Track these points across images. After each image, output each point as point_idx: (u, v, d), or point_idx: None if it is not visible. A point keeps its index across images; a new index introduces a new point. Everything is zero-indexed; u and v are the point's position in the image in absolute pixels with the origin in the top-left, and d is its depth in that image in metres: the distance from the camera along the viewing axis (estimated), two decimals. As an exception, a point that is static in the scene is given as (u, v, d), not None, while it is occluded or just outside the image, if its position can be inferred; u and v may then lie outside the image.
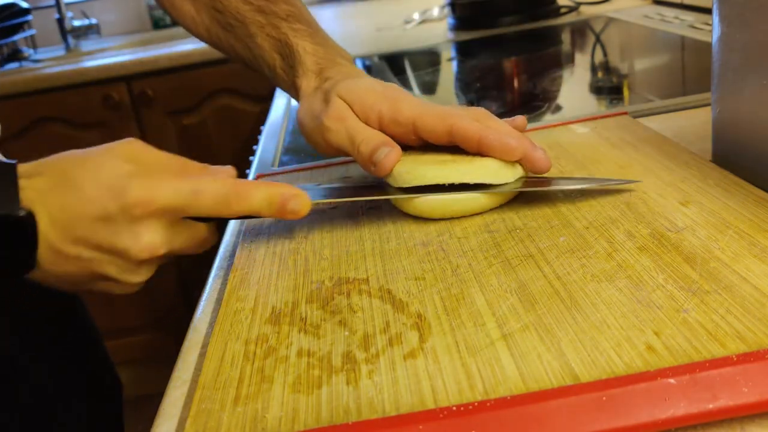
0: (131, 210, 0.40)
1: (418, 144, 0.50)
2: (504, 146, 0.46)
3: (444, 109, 0.48)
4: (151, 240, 0.41)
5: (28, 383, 0.64)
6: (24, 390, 0.63)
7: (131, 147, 0.43)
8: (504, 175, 0.46)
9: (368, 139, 0.49)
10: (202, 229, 0.45)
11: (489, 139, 0.46)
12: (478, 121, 0.48)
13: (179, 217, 0.42)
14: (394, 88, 0.51)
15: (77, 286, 0.44)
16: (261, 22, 0.58)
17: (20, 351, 0.64)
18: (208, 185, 0.42)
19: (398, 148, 0.48)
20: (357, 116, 0.50)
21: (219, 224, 0.46)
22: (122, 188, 0.40)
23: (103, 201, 0.40)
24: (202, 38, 0.65)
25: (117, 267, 0.42)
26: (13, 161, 0.42)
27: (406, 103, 0.49)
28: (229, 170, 0.47)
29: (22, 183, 0.40)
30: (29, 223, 0.40)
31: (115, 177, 0.41)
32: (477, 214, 0.47)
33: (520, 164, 0.47)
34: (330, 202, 0.53)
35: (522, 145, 0.46)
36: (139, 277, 0.43)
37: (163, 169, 0.43)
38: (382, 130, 0.49)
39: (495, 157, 0.46)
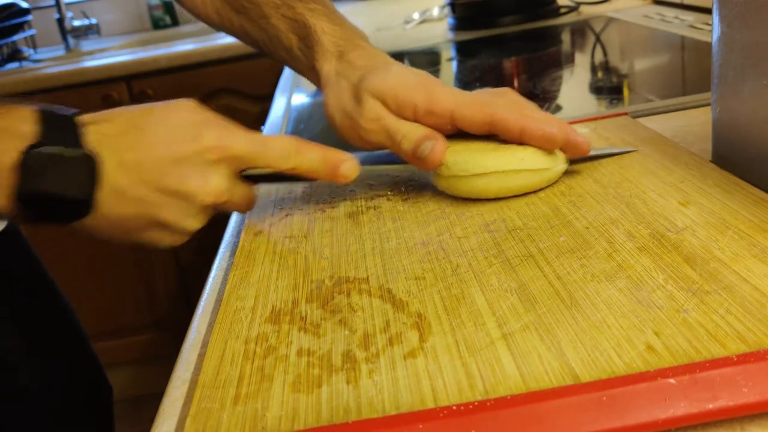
0: (205, 154, 0.42)
1: (453, 132, 0.50)
2: (546, 135, 0.47)
3: (481, 98, 0.49)
4: (218, 184, 0.43)
5: (13, 386, 0.64)
6: (8, 393, 0.63)
7: (192, 103, 0.45)
8: (555, 159, 0.48)
9: (409, 134, 0.48)
10: (251, 189, 0.48)
11: (531, 129, 0.47)
12: (515, 108, 0.48)
13: (240, 170, 0.45)
14: (424, 76, 0.51)
15: (127, 234, 0.44)
16: (275, 3, 0.58)
17: (6, 352, 0.64)
18: (274, 139, 0.45)
19: (442, 138, 0.49)
20: (392, 111, 0.49)
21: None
22: (198, 133, 0.42)
23: (177, 143, 0.42)
24: (211, 22, 0.64)
25: (178, 211, 0.43)
26: (74, 110, 0.43)
27: (441, 94, 0.48)
28: (293, 137, 0.49)
29: (87, 129, 0.41)
30: (89, 165, 0.40)
31: (189, 123, 0.43)
32: (527, 193, 0.49)
33: (562, 150, 0.49)
34: (375, 169, 0.55)
35: (563, 131, 0.47)
36: (196, 223, 0.44)
37: (226, 124, 0.45)
38: (417, 121, 0.49)
39: (536, 146, 0.48)
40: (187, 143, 0.42)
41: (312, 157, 0.46)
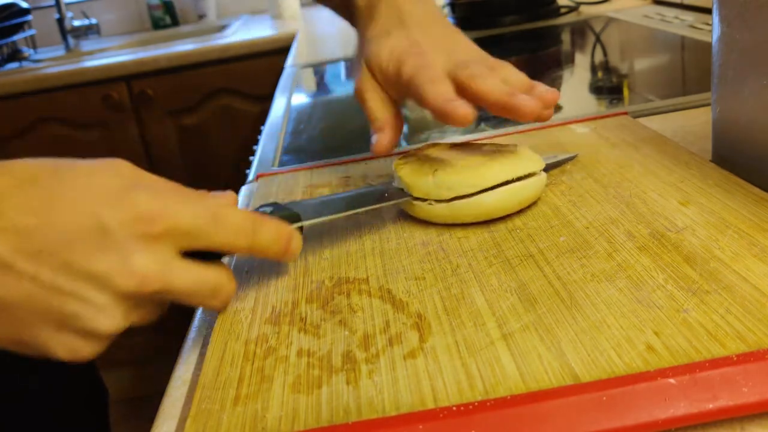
0: (136, 225, 0.32)
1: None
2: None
3: (438, 74, 0.48)
4: (144, 266, 0.32)
5: (12, 386, 0.63)
6: (8, 393, 0.63)
7: (124, 163, 0.36)
8: (534, 163, 0.47)
9: (370, 117, 0.51)
10: (218, 271, 0.36)
11: (418, 85, 0.46)
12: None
13: (189, 248, 0.35)
14: (415, 43, 0.51)
15: (15, 330, 0.32)
16: None
17: (4, 353, 0.63)
18: (229, 211, 0.36)
19: (391, 131, 0.50)
20: (378, 81, 0.51)
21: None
22: (130, 199, 0.33)
23: (96, 209, 0.32)
24: None
25: (82, 301, 0.32)
26: None
27: (408, 64, 0.49)
28: (231, 196, 0.40)
29: None
30: None
31: (115, 187, 0.33)
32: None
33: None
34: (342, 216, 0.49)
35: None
36: (109, 321, 0.33)
37: (167, 188, 0.36)
38: (394, 91, 0.51)
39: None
40: (110, 209, 0.32)
41: (267, 234, 0.37)
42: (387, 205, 0.47)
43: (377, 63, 0.51)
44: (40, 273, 0.31)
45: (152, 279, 0.32)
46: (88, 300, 0.32)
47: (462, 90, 0.47)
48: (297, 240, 0.39)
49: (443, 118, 0.45)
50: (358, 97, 0.52)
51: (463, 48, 0.53)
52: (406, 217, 0.48)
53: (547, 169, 0.51)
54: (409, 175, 0.47)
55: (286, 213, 0.42)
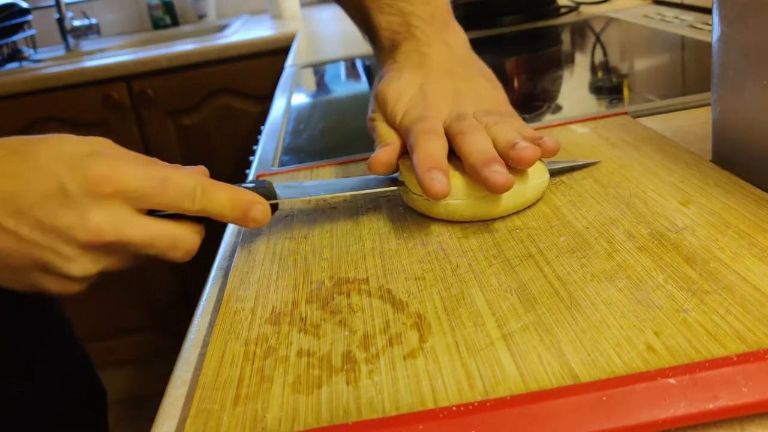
0: (89, 186, 0.37)
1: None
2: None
3: (431, 126, 0.47)
4: (98, 221, 0.37)
5: (8, 391, 0.63)
6: (4, 398, 0.63)
7: (98, 138, 0.41)
8: (537, 172, 0.46)
9: (379, 140, 0.51)
10: (180, 226, 0.41)
11: (416, 164, 0.45)
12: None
13: (142, 208, 0.39)
14: (422, 92, 0.51)
15: (14, 274, 0.39)
16: None
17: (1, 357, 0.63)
18: (177, 176, 0.40)
19: (389, 150, 0.49)
20: (385, 119, 0.52)
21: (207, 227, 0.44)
22: (85, 163, 0.37)
23: (58, 173, 0.37)
24: None
25: (54, 252, 0.38)
26: None
27: (404, 113, 0.50)
28: (201, 169, 0.45)
29: None
30: None
31: (78, 153, 0.38)
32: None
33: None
34: (334, 197, 0.52)
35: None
36: (78, 267, 0.38)
37: (129, 157, 0.40)
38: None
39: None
40: (71, 172, 0.37)
41: (220, 199, 0.41)
42: (377, 192, 0.48)
43: (383, 101, 0.52)
44: (20, 229, 0.37)
45: (106, 232, 0.37)
46: (57, 251, 0.37)
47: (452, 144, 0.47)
48: (261, 208, 0.42)
49: (420, 184, 0.44)
50: (369, 125, 0.53)
51: (476, 96, 0.52)
52: (407, 217, 0.48)
53: (555, 174, 0.50)
54: (411, 168, 0.47)
55: (262, 189, 0.45)
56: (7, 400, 0.63)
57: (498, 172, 0.42)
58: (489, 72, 0.56)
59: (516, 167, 0.45)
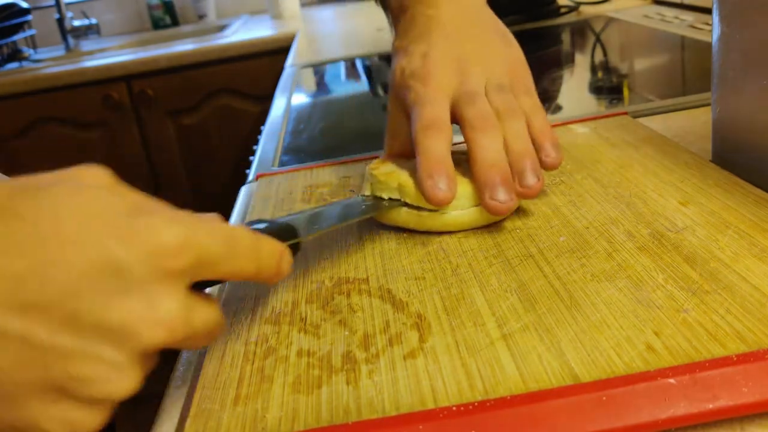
0: (158, 260, 0.26)
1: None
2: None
3: (433, 116, 0.45)
4: (171, 310, 0.26)
5: None
6: None
7: (103, 175, 0.29)
8: None
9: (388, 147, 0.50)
10: (214, 306, 0.30)
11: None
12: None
13: (196, 280, 0.29)
14: (425, 61, 0.47)
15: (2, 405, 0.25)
16: None
17: None
18: (241, 234, 0.30)
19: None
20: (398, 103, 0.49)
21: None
22: (141, 225, 0.26)
23: (104, 242, 0.25)
24: None
25: (96, 363, 0.25)
26: None
27: (410, 96, 0.47)
28: (217, 217, 0.33)
29: None
30: None
31: (120, 209, 0.26)
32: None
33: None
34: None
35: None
36: (128, 383, 0.26)
37: (169, 209, 0.29)
38: None
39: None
40: (122, 241, 0.25)
41: (268, 258, 0.32)
42: (358, 220, 0.46)
43: (392, 84, 0.49)
44: (33, 331, 0.24)
45: (180, 325, 0.27)
46: (101, 360, 0.25)
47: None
48: (287, 259, 0.34)
49: (421, 191, 0.43)
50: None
51: (487, 60, 0.48)
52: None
53: None
54: (384, 175, 0.46)
55: (282, 227, 0.37)
56: None
57: (499, 201, 0.42)
58: (503, 28, 0.52)
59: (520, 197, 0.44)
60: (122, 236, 0.25)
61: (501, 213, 0.42)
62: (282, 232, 0.37)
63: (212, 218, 0.31)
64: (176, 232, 0.26)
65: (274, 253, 0.32)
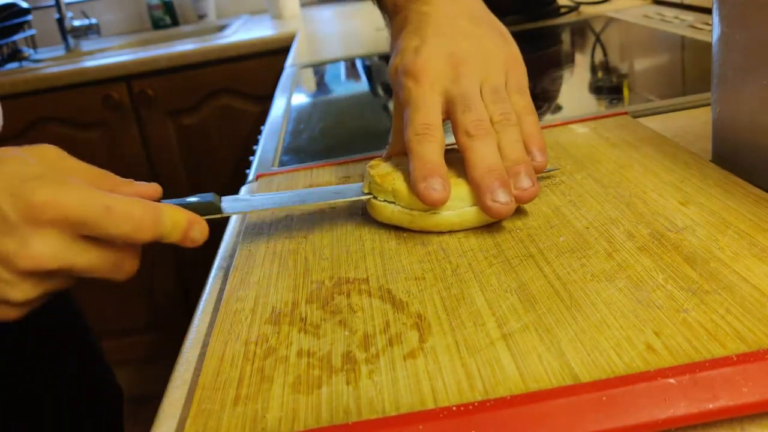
0: (30, 212, 0.35)
1: None
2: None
3: (425, 121, 0.45)
4: (41, 249, 0.36)
5: (26, 396, 0.63)
6: (22, 403, 0.63)
7: (45, 150, 0.39)
8: None
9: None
10: (121, 251, 0.39)
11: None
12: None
13: (85, 234, 0.37)
14: (417, 57, 0.47)
15: None
16: None
17: (18, 365, 0.63)
18: (123, 204, 0.37)
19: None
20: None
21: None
22: (27, 188, 0.36)
23: (0, 200, 0.35)
24: None
25: None
26: None
27: (403, 93, 0.47)
28: (155, 187, 0.43)
29: None
30: None
31: (21, 175, 0.36)
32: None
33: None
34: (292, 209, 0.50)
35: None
36: (18, 293, 0.37)
37: (77, 177, 0.38)
38: None
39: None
40: (11, 197, 0.35)
41: (166, 224, 0.39)
42: (342, 202, 0.48)
43: (391, 82, 0.50)
44: None
45: (48, 260, 0.36)
46: None
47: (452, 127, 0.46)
48: (199, 228, 0.41)
49: (415, 194, 0.44)
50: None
51: (481, 57, 0.48)
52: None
53: None
54: (380, 176, 0.46)
55: (206, 203, 0.44)
56: (21, 398, 0.63)
57: (500, 203, 0.42)
58: (500, 25, 0.52)
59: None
60: (14, 193, 0.35)
61: (502, 215, 0.43)
62: (203, 207, 0.43)
63: (145, 187, 0.42)
64: (45, 194, 0.35)
65: (179, 221, 0.40)
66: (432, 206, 0.43)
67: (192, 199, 0.44)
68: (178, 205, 0.42)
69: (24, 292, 0.37)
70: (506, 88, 0.48)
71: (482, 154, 0.44)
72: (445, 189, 0.43)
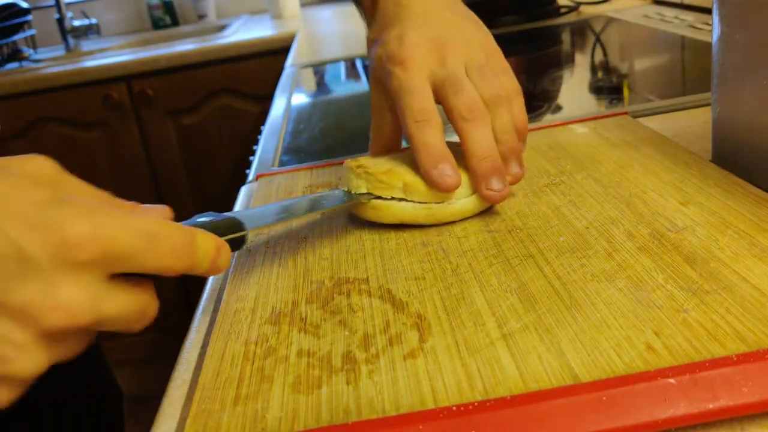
0: (63, 250, 0.27)
1: None
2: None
3: (420, 107, 0.45)
4: (73, 297, 0.28)
5: (26, 397, 0.63)
6: (22, 404, 0.63)
7: (39, 165, 0.31)
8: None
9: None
10: (146, 292, 0.32)
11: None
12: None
13: (118, 271, 0.30)
14: (401, 45, 0.47)
15: None
16: None
17: None
18: (167, 229, 0.31)
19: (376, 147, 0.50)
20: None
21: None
22: (52, 217, 0.27)
23: (13, 231, 0.27)
24: None
25: (4, 342, 0.27)
26: None
27: (391, 82, 0.47)
28: (166, 212, 0.36)
29: None
30: None
31: (37, 200, 0.28)
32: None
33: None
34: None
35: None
36: (33, 363, 0.28)
37: (95, 202, 0.31)
38: None
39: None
40: (31, 231, 0.27)
41: (200, 251, 0.33)
42: (345, 206, 0.47)
43: (373, 73, 0.50)
44: None
45: (82, 312, 0.28)
46: (5, 339, 0.27)
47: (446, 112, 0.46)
48: (226, 253, 0.35)
49: (428, 182, 0.45)
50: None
51: (464, 41, 0.48)
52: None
53: None
54: (383, 174, 0.46)
55: (226, 221, 0.38)
56: (21, 399, 0.62)
57: (495, 191, 0.45)
58: (473, 15, 0.53)
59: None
60: (31, 225, 0.27)
61: (497, 201, 0.46)
62: (225, 226, 0.38)
63: (157, 211, 0.35)
64: (82, 226, 0.28)
65: (209, 248, 0.34)
66: (447, 191, 0.44)
67: (203, 219, 0.38)
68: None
69: (37, 361, 0.28)
70: (491, 69, 0.48)
71: (479, 142, 0.45)
72: (456, 173, 0.45)
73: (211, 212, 0.39)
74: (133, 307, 0.31)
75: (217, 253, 0.34)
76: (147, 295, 0.32)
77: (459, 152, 0.46)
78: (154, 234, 0.30)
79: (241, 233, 0.38)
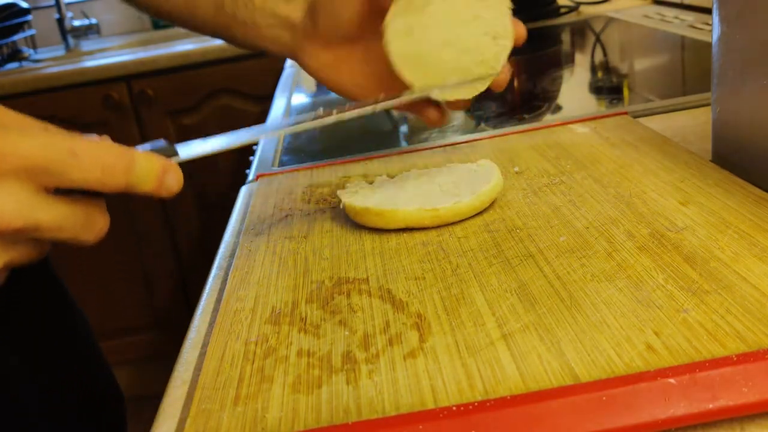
0: None
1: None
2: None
3: None
4: (2, 204, 0.31)
5: (26, 402, 0.63)
6: (22, 408, 0.63)
7: None
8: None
9: None
10: (91, 206, 0.35)
11: None
12: None
13: (50, 185, 0.33)
14: None
15: None
16: None
17: (18, 369, 0.63)
18: (91, 147, 0.33)
19: None
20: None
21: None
22: None
23: None
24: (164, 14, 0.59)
25: None
26: None
27: None
28: (105, 137, 0.38)
29: None
30: None
31: None
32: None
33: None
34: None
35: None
36: None
37: (23, 126, 0.35)
38: None
39: None
40: None
41: (140, 168, 0.35)
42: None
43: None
44: None
45: (10, 217, 0.31)
46: None
47: None
48: (174, 173, 0.37)
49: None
50: None
51: None
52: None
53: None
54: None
55: (163, 147, 0.39)
56: (19, 402, 0.62)
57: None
58: None
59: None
60: None
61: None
62: (161, 151, 0.39)
63: (95, 139, 0.36)
64: (2, 142, 0.31)
65: (153, 167, 0.35)
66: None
67: (145, 146, 0.39)
68: None
69: None
70: None
71: None
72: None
73: (159, 140, 0.40)
74: (73, 218, 0.34)
75: (162, 172, 0.36)
76: (92, 208, 0.34)
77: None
78: (72, 150, 0.33)
79: (176, 159, 0.40)
